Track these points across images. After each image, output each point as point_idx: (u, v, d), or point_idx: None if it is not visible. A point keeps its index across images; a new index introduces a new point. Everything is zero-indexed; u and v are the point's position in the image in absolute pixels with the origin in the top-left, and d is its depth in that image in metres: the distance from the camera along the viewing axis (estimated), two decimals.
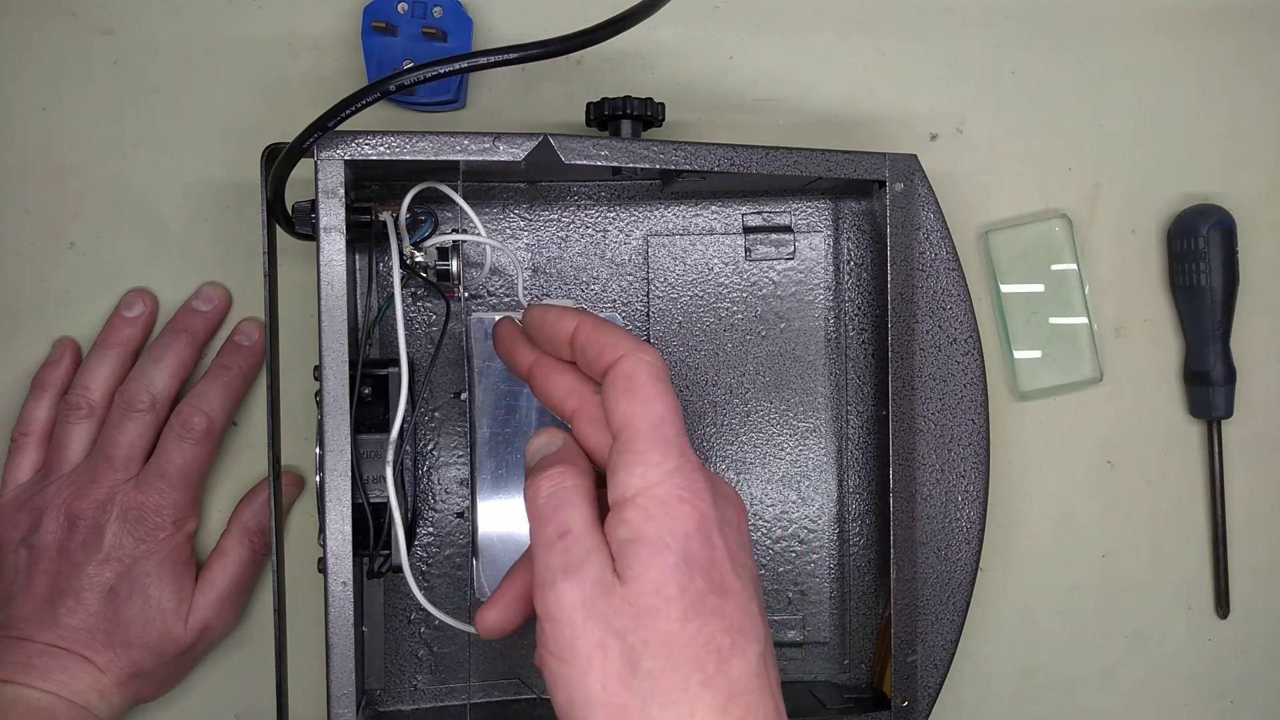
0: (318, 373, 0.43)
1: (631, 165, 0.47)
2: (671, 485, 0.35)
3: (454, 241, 0.47)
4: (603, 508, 0.37)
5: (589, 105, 0.51)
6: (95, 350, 0.52)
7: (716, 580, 0.35)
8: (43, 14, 0.54)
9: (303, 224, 0.46)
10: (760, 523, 0.54)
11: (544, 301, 0.44)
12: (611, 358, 0.37)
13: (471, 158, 0.45)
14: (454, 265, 0.47)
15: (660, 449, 0.35)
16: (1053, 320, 0.58)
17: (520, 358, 0.42)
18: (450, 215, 0.51)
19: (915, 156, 0.51)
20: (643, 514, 0.35)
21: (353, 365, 0.44)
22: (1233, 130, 0.60)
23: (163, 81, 0.54)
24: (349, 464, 0.43)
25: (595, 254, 0.53)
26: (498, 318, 0.45)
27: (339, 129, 0.43)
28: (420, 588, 0.44)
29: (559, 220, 0.53)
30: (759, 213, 0.54)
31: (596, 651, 0.34)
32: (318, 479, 0.44)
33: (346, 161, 0.44)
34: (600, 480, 0.38)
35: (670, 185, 0.52)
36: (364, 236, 0.46)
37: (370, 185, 0.51)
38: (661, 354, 0.53)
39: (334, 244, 0.43)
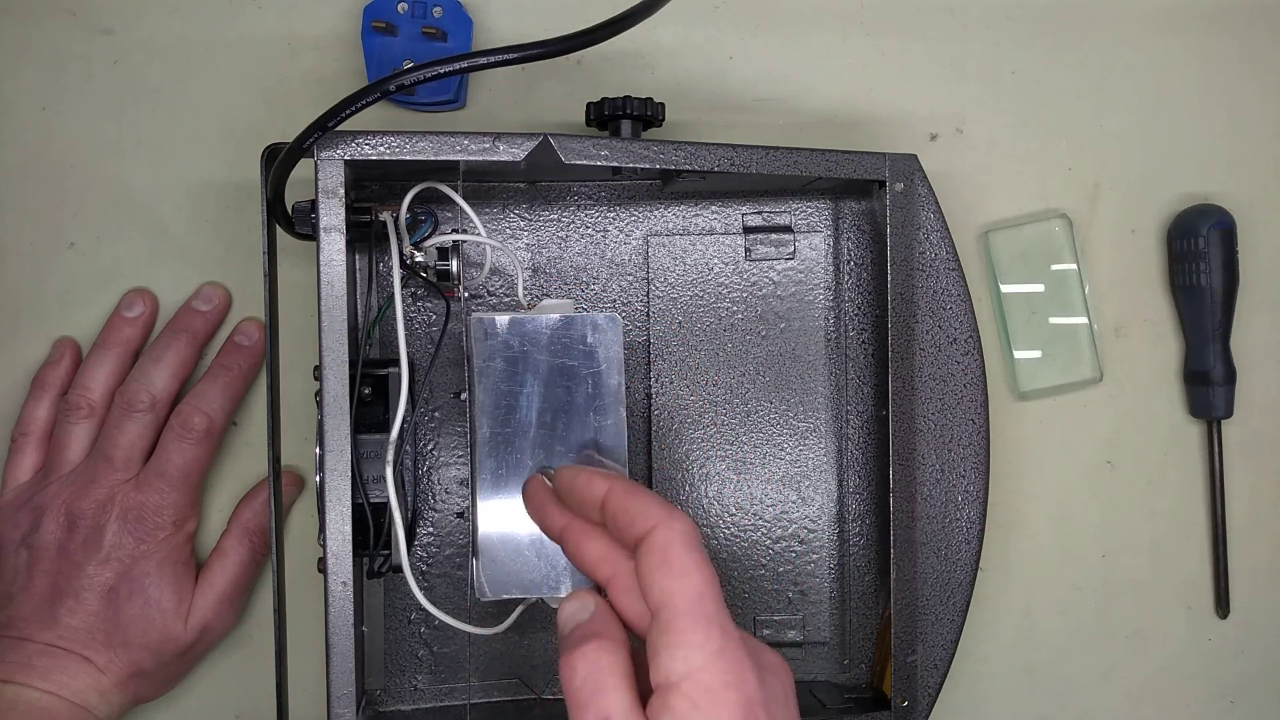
0: (318, 373, 0.43)
1: (631, 165, 0.47)
2: (716, 670, 0.34)
3: (454, 241, 0.47)
4: (642, 678, 0.36)
5: (589, 105, 0.51)
6: (95, 350, 0.52)
7: None
8: (43, 14, 0.54)
9: (303, 224, 0.46)
10: (760, 523, 0.54)
11: (574, 467, 0.42)
12: (644, 528, 0.36)
13: (471, 158, 0.45)
14: (454, 265, 0.47)
15: (703, 628, 0.34)
16: (1053, 320, 0.58)
17: (552, 520, 0.41)
18: (450, 215, 0.51)
19: (915, 156, 0.51)
20: (689, 703, 0.34)
21: (353, 365, 0.44)
22: (1233, 130, 0.60)
23: (163, 81, 0.54)
24: (349, 464, 0.43)
25: (595, 254, 0.53)
26: (528, 476, 0.44)
27: (339, 129, 0.43)
28: (420, 588, 0.44)
29: (559, 220, 0.53)
30: (759, 213, 0.54)
31: None
32: (318, 479, 0.44)
33: (346, 161, 0.44)
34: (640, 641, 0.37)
35: (670, 185, 0.52)
36: (364, 236, 0.46)
37: (370, 185, 0.51)
38: (664, 347, 0.53)
39: (334, 244, 0.43)
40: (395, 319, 0.44)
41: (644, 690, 0.35)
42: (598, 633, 0.36)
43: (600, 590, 0.39)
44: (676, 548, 0.35)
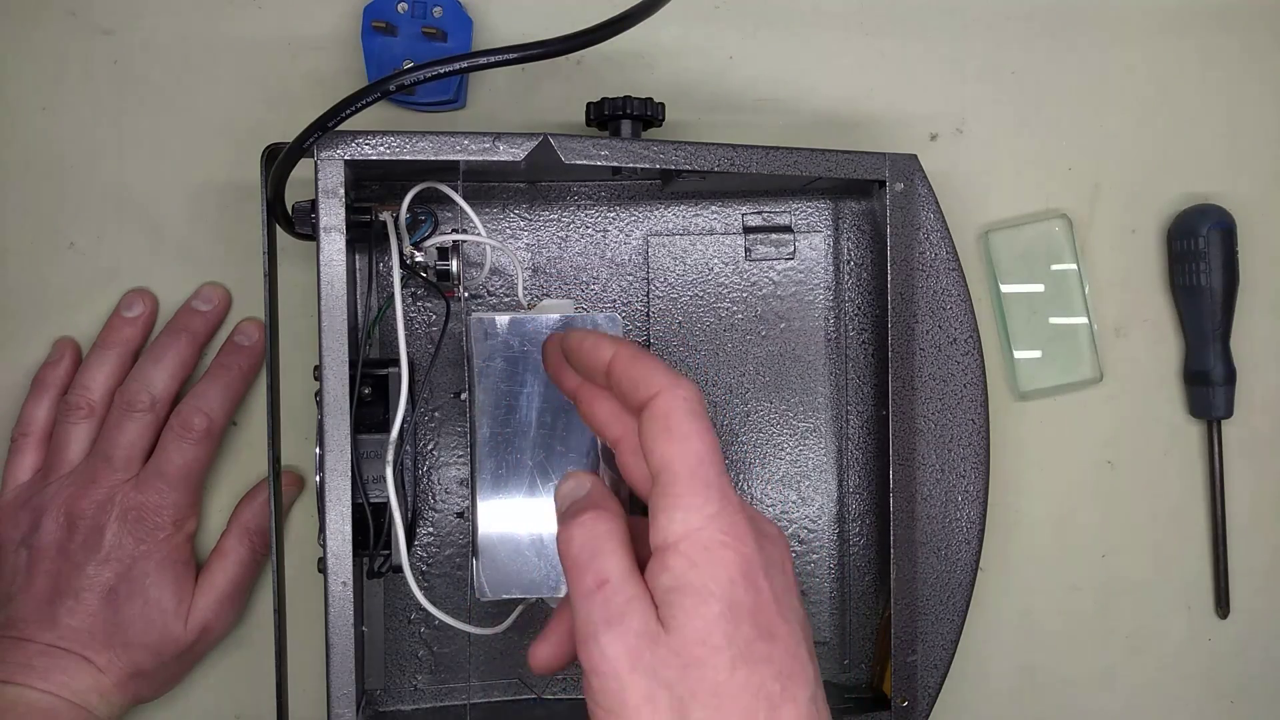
0: (318, 373, 0.43)
1: (631, 165, 0.47)
2: (714, 530, 0.34)
3: (454, 241, 0.47)
4: (642, 547, 0.36)
5: (589, 105, 0.51)
6: (95, 350, 0.52)
7: (763, 626, 0.34)
8: (43, 14, 0.54)
9: (303, 224, 0.46)
10: None
11: (579, 327, 0.42)
12: (646, 394, 0.36)
13: (471, 158, 0.45)
14: (454, 265, 0.47)
15: (701, 491, 0.35)
16: (1053, 320, 0.58)
17: (566, 379, 0.41)
18: (450, 215, 0.51)
19: (915, 156, 0.51)
20: (686, 561, 0.34)
21: (353, 365, 0.44)
22: (1233, 130, 0.60)
23: (163, 81, 0.54)
24: (349, 464, 0.43)
25: (595, 254, 0.53)
26: (547, 330, 0.44)
27: (339, 129, 0.43)
28: (420, 588, 0.44)
29: (559, 220, 0.53)
30: (759, 213, 0.54)
31: (645, 704, 0.33)
32: (318, 479, 0.44)
33: (346, 161, 0.44)
34: (643, 509, 0.37)
35: (670, 185, 0.52)
36: (364, 236, 0.46)
37: (370, 185, 0.51)
38: (664, 347, 0.53)
39: (334, 244, 0.43)
40: (395, 319, 0.44)
41: (642, 559, 0.36)
42: (595, 504, 0.37)
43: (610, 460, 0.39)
44: (679, 414, 0.35)
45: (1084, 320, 0.58)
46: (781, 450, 0.54)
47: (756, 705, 0.33)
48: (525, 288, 0.52)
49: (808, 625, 0.37)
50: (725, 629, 0.33)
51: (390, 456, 0.43)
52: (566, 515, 0.37)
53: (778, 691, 0.34)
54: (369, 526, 0.45)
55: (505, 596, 0.45)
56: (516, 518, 0.44)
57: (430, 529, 0.52)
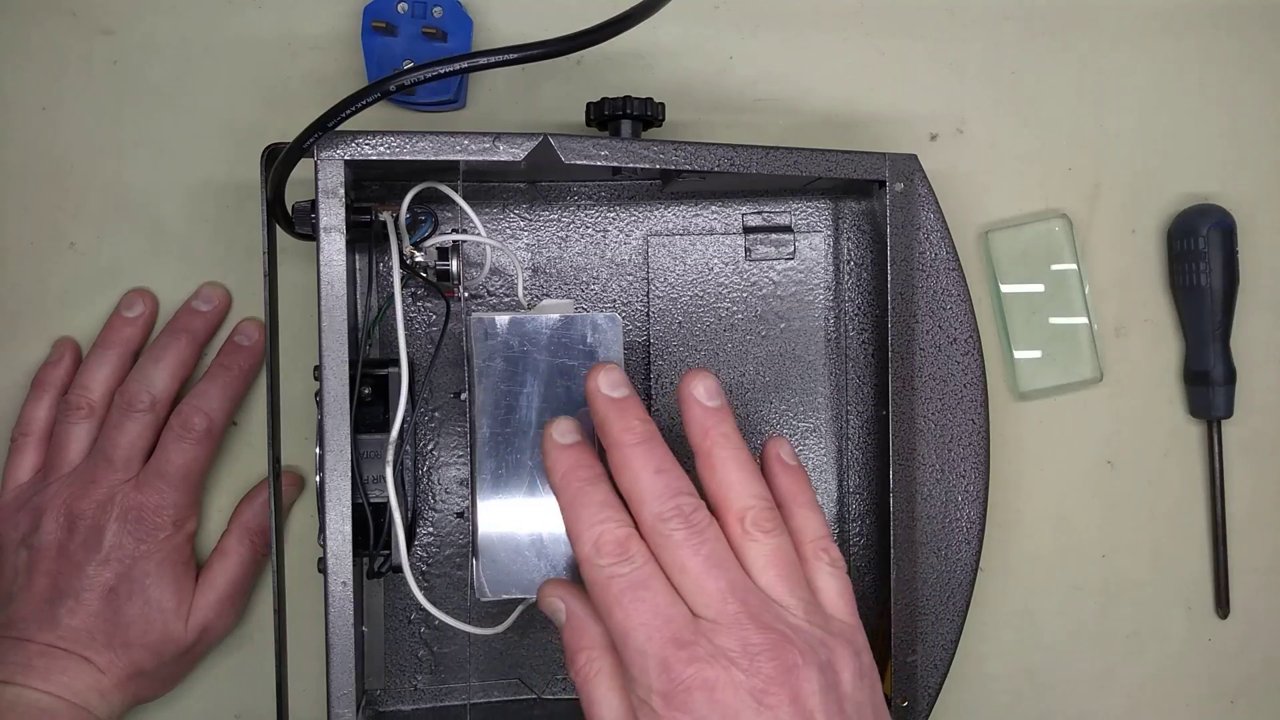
0: (318, 373, 0.43)
1: (631, 165, 0.47)
2: (661, 696, 0.36)
3: (454, 241, 0.47)
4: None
5: (589, 105, 0.51)
6: (95, 350, 0.52)
7: None
8: (43, 14, 0.54)
9: (303, 224, 0.46)
10: None
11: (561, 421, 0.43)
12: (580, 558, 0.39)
13: (471, 158, 0.45)
14: (454, 265, 0.47)
15: (642, 668, 0.36)
16: (1053, 320, 0.58)
17: None
18: (450, 215, 0.51)
19: (915, 156, 0.51)
20: None
21: (353, 365, 0.44)
22: (1233, 130, 0.60)
23: (163, 81, 0.54)
24: (349, 464, 0.43)
25: (595, 254, 0.53)
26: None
27: (339, 129, 0.43)
28: (420, 588, 0.44)
29: (559, 220, 0.53)
30: (759, 213, 0.54)
31: None
32: (318, 479, 0.44)
33: (346, 161, 0.44)
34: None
35: (670, 185, 0.52)
36: (364, 236, 0.46)
37: (370, 185, 0.51)
38: (664, 347, 0.53)
39: (334, 244, 0.43)
40: (395, 319, 0.44)
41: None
42: (581, 646, 0.39)
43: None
44: (612, 593, 0.37)
45: (1084, 320, 0.58)
46: None
47: None
48: (525, 288, 0.52)
49: None
50: None
51: (390, 456, 0.43)
52: (566, 648, 0.40)
53: None
54: (369, 526, 0.45)
55: (505, 596, 0.45)
56: (516, 518, 0.44)
57: (430, 529, 0.52)
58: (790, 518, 0.41)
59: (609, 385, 0.40)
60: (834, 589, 0.41)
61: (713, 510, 0.39)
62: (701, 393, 0.40)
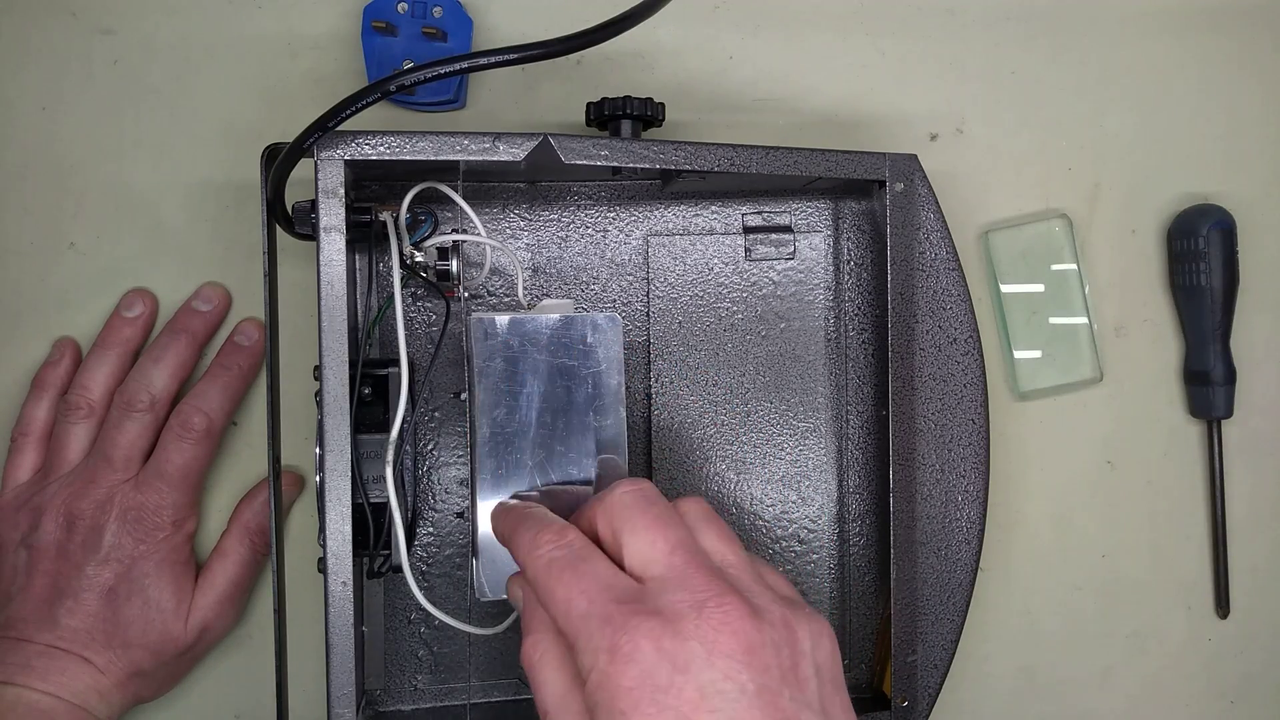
0: (318, 373, 0.43)
1: (631, 165, 0.47)
2: (602, 651, 0.34)
3: (454, 241, 0.47)
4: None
5: (589, 105, 0.51)
6: (95, 350, 0.52)
7: None
8: (43, 14, 0.54)
9: (303, 224, 0.46)
10: (760, 523, 0.54)
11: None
12: (519, 565, 0.38)
13: (471, 158, 0.45)
14: (454, 265, 0.47)
15: (582, 628, 0.35)
16: (1053, 320, 0.58)
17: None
18: (450, 215, 0.51)
19: (915, 156, 0.51)
20: (596, 687, 0.34)
21: (353, 365, 0.44)
22: (1233, 130, 0.60)
23: (163, 81, 0.54)
24: (349, 464, 0.43)
25: (595, 254, 0.53)
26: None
27: (339, 129, 0.43)
28: (420, 588, 0.44)
29: (559, 220, 0.53)
30: (759, 213, 0.54)
31: None
32: (318, 479, 0.44)
33: (346, 161, 0.44)
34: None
35: (670, 185, 0.52)
36: (364, 236, 0.46)
37: (370, 185, 0.51)
38: (664, 347, 0.53)
39: (334, 244, 0.43)
40: (395, 319, 0.44)
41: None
42: (532, 627, 0.38)
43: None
44: (542, 578, 0.37)
45: (1084, 320, 0.58)
46: (781, 450, 0.54)
47: None
48: (525, 288, 0.52)
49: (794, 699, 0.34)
50: None
51: (390, 456, 0.43)
52: (522, 626, 0.39)
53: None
54: (369, 526, 0.45)
55: (505, 596, 0.45)
56: None
57: (430, 529, 0.52)
58: None
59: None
60: (776, 574, 0.39)
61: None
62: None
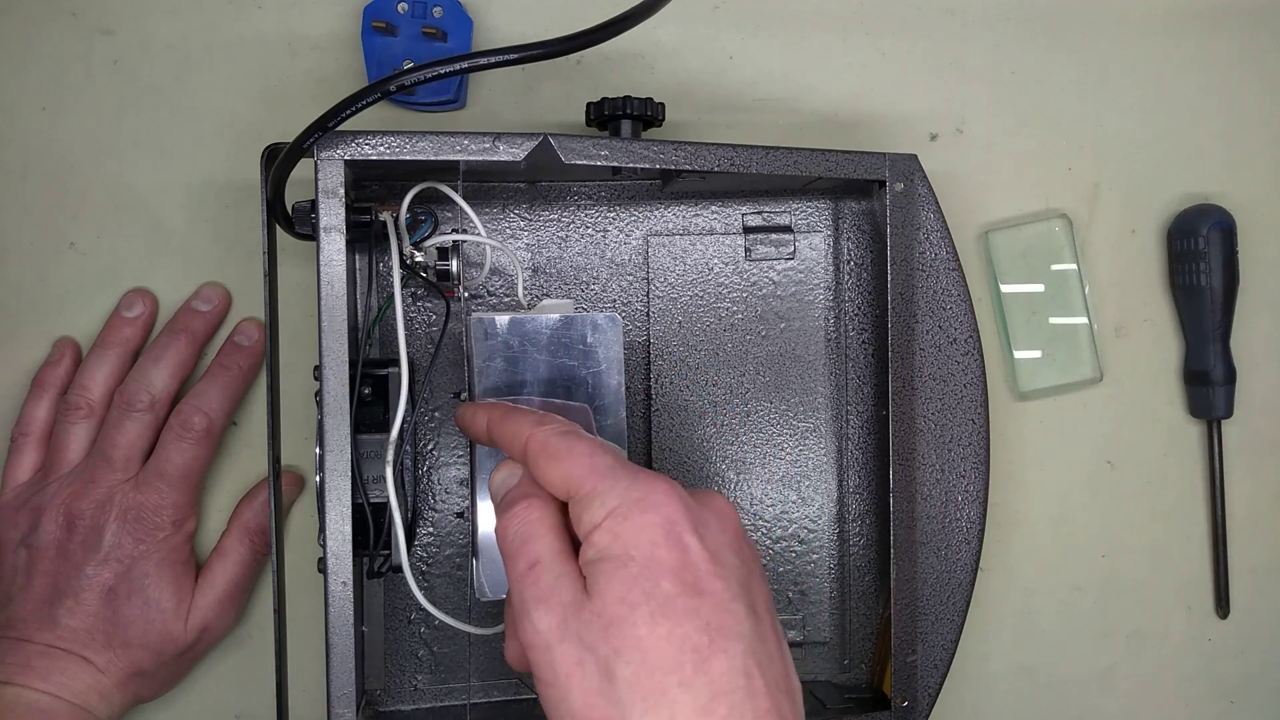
0: (318, 373, 0.43)
1: (631, 165, 0.47)
2: (630, 500, 0.35)
3: (454, 241, 0.47)
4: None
5: (589, 105, 0.51)
6: (95, 350, 0.52)
7: (688, 582, 0.35)
8: (43, 14, 0.54)
9: (303, 224, 0.46)
10: (760, 523, 0.54)
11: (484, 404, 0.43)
12: (520, 445, 0.38)
13: (471, 158, 0.45)
14: (454, 265, 0.47)
15: (607, 477, 0.36)
16: (1053, 320, 0.58)
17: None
18: (450, 215, 0.51)
19: (915, 156, 0.51)
20: (609, 535, 0.35)
21: (353, 365, 0.44)
22: (1233, 130, 0.60)
23: (163, 81, 0.54)
24: (349, 464, 0.43)
25: (595, 254, 0.53)
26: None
27: (339, 129, 0.43)
28: (420, 588, 0.44)
29: (559, 220, 0.53)
30: (759, 213, 0.54)
31: (575, 670, 0.34)
32: (318, 479, 0.44)
33: (346, 161, 0.44)
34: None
35: (670, 185, 0.52)
36: (364, 236, 0.46)
37: (370, 185, 0.51)
38: (664, 347, 0.53)
39: (334, 244, 0.43)
40: (395, 319, 0.44)
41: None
42: (526, 493, 0.38)
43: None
44: (554, 442, 0.37)
45: (1084, 320, 0.58)
46: (781, 450, 0.54)
47: (682, 657, 0.34)
48: (525, 288, 0.52)
49: (759, 586, 0.37)
50: (643, 586, 0.34)
51: (390, 456, 0.43)
52: (501, 506, 0.39)
53: (705, 644, 0.34)
54: (369, 526, 0.45)
55: (505, 596, 0.45)
56: None
57: (430, 529, 0.52)
58: None
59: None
60: None
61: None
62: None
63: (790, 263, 0.54)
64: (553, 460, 0.37)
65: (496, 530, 0.38)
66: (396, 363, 0.44)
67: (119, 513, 0.49)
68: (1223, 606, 0.60)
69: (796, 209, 0.54)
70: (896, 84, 0.58)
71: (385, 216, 0.46)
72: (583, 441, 0.37)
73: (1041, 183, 0.59)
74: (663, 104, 0.50)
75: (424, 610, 0.44)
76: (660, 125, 0.51)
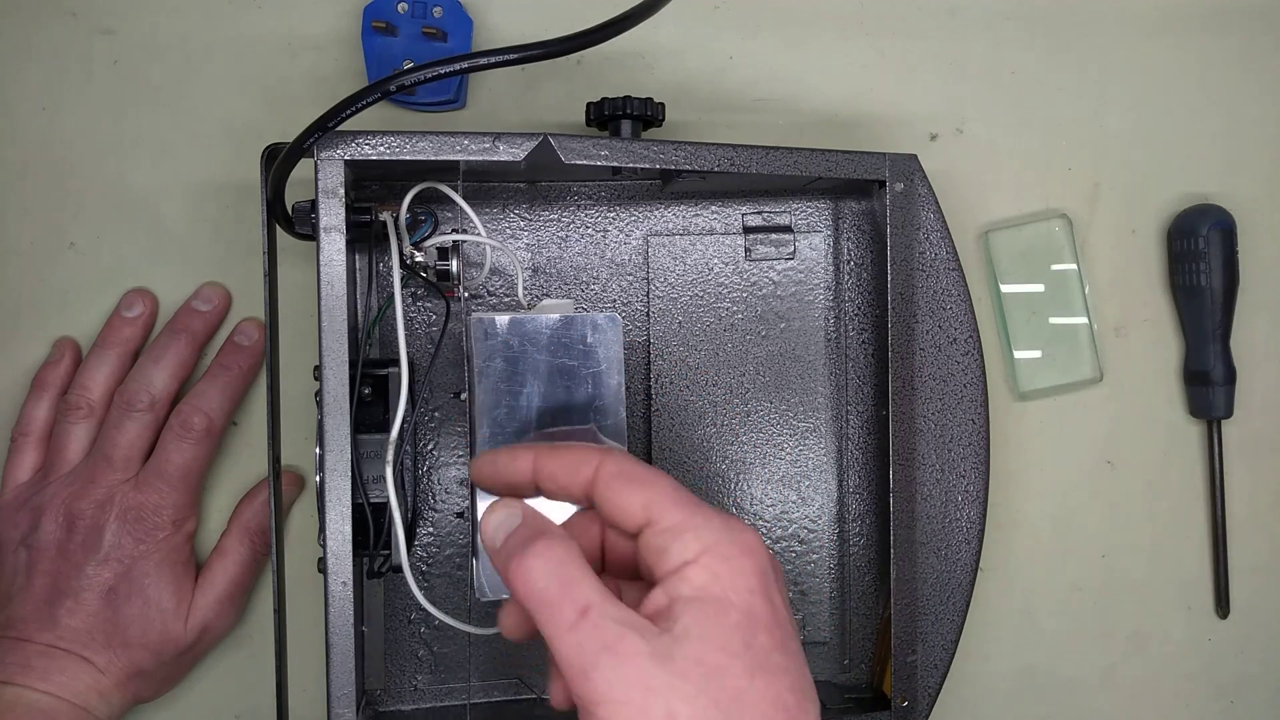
0: (318, 373, 0.43)
1: (631, 165, 0.47)
2: (728, 541, 0.34)
3: (454, 241, 0.47)
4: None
5: (589, 105, 0.51)
6: (95, 350, 0.52)
7: (779, 639, 0.34)
8: (43, 14, 0.54)
9: (303, 224, 0.46)
10: (760, 523, 0.54)
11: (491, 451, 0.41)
12: (589, 471, 0.36)
13: (471, 158, 0.45)
14: (454, 265, 0.47)
15: (697, 511, 0.34)
16: (1053, 320, 0.58)
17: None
18: (450, 215, 0.51)
19: (915, 156, 0.51)
20: (708, 573, 0.33)
21: (353, 365, 0.44)
22: (1233, 130, 0.60)
23: (163, 81, 0.54)
24: (349, 464, 0.43)
25: (595, 254, 0.53)
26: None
27: (339, 129, 0.43)
28: (420, 588, 0.44)
29: (559, 220, 0.53)
30: (759, 213, 0.54)
31: None
32: (318, 479, 0.44)
33: (346, 161, 0.44)
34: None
35: (670, 185, 0.52)
36: (364, 236, 0.46)
37: (370, 185, 0.51)
38: (664, 347, 0.53)
39: (334, 244, 0.43)
40: (395, 319, 0.44)
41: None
42: (541, 530, 0.35)
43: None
44: (632, 467, 0.36)
45: (1084, 320, 0.58)
46: (781, 450, 0.54)
47: (775, 714, 0.33)
48: (525, 288, 0.52)
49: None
50: (743, 637, 0.33)
51: (390, 456, 0.43)
52: (512, 548, 0.35)
53: (793, 703, 0.33)
54: (369, 526, 0.45)
55: (505, 597, 0.45)
56: None
57: (430, 529, 0.52)
58: None
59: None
60: None
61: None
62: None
63: (790, 263, 0.54)
64: (635, 485, 0.35)
65: (512, 577, 0.34)
66: (396, 363, 0.44)
67: (119, 513, 0.49)
68: (1223, 606, 0.60)
69: (796, 209, 0.54)
70: (896, 84, 0.58)
71: (385, 216, 0.46)
72: (661, 472, 0.36)
73: (1041, 183, 0.59)
74: (663, 104, 0.50)
75: (424, 610, 0.44)
76: (660, 125, 0.51)
